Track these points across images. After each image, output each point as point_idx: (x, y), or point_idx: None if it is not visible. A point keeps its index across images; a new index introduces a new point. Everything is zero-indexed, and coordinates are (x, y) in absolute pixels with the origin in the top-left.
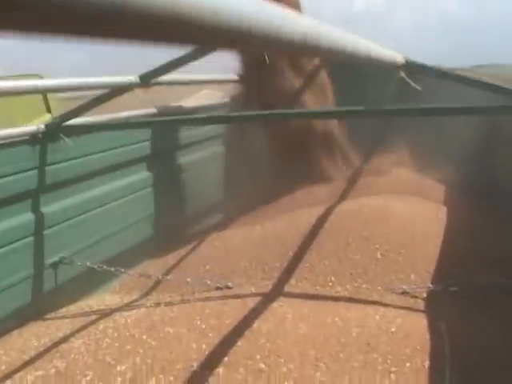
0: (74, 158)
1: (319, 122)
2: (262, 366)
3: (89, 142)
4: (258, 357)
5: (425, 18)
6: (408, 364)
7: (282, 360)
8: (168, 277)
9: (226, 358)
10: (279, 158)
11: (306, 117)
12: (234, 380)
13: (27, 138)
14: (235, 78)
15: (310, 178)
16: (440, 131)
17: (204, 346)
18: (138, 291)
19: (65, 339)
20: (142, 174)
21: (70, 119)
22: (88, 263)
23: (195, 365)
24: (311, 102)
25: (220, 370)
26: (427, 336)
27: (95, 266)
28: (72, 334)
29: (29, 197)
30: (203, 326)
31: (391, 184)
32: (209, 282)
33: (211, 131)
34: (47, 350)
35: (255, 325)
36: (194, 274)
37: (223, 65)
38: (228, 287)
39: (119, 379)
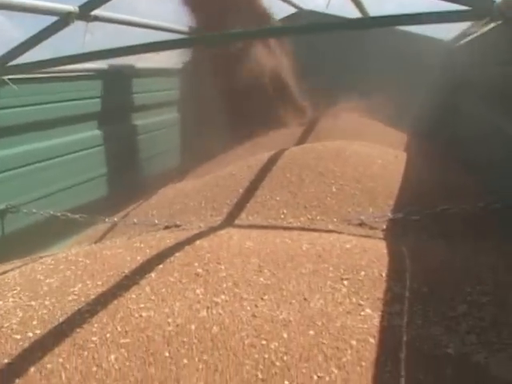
0: (21, 106)
1: (274, 72)
2: (200, 270)
3: (37, 91)
4: (196, 264)
5: None
6: (363, 273)
7: (223, 267)
8: (115, 219)
9: (160, 266)
10: (234, 110)
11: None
12: (166, 282)
13: None
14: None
15: (266, 126)
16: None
17: (139, 258)
18: (87, 240)
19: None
20: (93, 131)
21: (13, 59)
22: (41, 212)
23: (127, 271)
24: None
25: (153, 274)
26: (385, 252)
27: (57, 214)
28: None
29: None
30: (141, 245)
31: (349, 130)
32: (156, 221)
33: (167, 96)
34: None
35: (197, 242)
36: (143, 218)
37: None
38: (177, 225)
39: (45, 288)
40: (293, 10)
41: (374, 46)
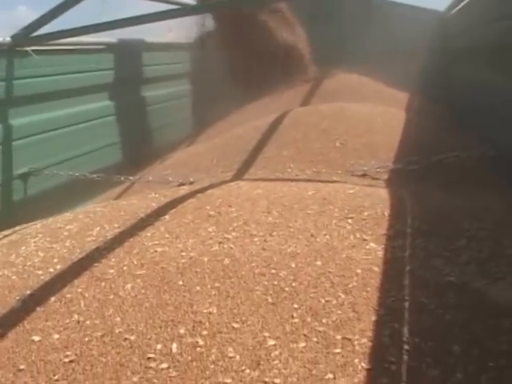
0: (43, 76)
1: (279, 36)
2: (212, 212)
3: (57, 62)
4: (208, 207)
5: None
6: (366, 213)
7: (233, 209)
8: (131, 178)
9: (173, 210)
10: (240, 76)
11: None
12: (179, 222)
13: None
14: None
15: (271, 89)
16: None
17: (154, 204)
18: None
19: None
20: (110, 101)
21: (35, 31)
22: (61, 173)
23: (142, 215)
24: None
25: (167, 216)
26: (387, 196)
27: (76, 174)
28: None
29: None
30: (156, 195)
31: (351, 90)
32: (171, 179)
33: (177, 69)
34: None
35: (209, 191)
36: (158, 176)
37: None
38: (190, 182)
39: (65, 233)
40: None
41: (377, 17)
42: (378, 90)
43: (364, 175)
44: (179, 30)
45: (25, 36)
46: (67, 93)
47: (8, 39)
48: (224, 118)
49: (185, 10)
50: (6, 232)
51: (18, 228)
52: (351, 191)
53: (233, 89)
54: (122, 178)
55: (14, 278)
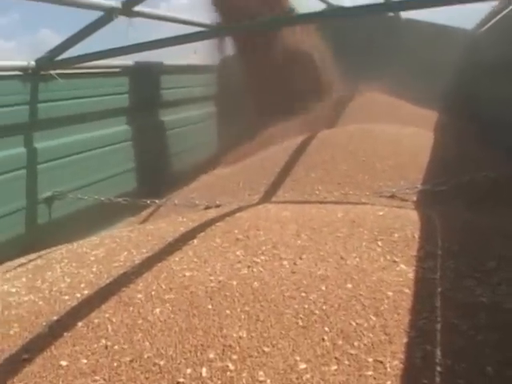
0: (67, 99)
1: (303, 56)
2: (240, 236)
3: (81, 85)
4: (236, 231)
5: None
6: (396, 234)
7: (261, 232)
8: (157, 201)
9: (202, 234)
10: (264, 98)
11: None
12: (208, 246)
13: (18, 72)
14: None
15: (296, 111)
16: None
17: (182, 229)
18: (131, 225)
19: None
20: (133, 124)
21: (60, 54)
22: (86, 196)
23: (170, 240)
24: None
25: (195, 241)
26: (416, 218)
27: (102, 198)
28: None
29: (20, 131)
30: (184, 219)
31: (377, 110)
32: (197, 202)
33: (199, 92)
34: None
35: (237, 214)
36: (184, 200)
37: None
38: (217, 205)
39: (92, 259)
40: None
41: (403, 35)
42: (406, 109)
43: (392, 197)
44: (203, 52)
45: (49, 60)
46: (91, 116)
47: (32, 63)
48: (249, 140)
49: (208, 33)
50: (31, 256)
51: (43, 252)
52: (380, 213)
53: (257, 110)
54: (148, 202)
55: (40, 303)
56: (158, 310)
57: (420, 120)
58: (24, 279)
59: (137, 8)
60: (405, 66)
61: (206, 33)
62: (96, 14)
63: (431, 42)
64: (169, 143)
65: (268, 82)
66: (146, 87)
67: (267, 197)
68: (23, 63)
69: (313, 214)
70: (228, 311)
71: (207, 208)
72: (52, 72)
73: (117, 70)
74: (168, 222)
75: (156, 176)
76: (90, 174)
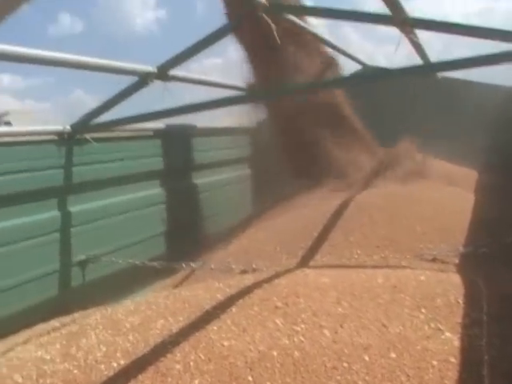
0: (101, 162)
1: (339, 118)
2: (279, 304)
3: (115, 148)
4: (275, 298)
5: None
6: (439, 300)
7: (301, 300)
8: (193, 265)
9: (240, 301)
10: (301, 160)
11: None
12: (246, 315)
13: (54, 136)
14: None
15: (333, 173)
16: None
17: (219, 296)
18: (165, 289)
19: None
20: (168, 186)
21: (94, 118)
22: (120, 260)
23: (208, 307)
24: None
25: (233, 308)
26: (459, 282)
27: (136, 262)
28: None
29: (55, 195)
30: (221, 285)
31: (418, 171)
32: (233, 267)
33: (233, 154)
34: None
35: (275, 280)
36: (219, 264)
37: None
38: (254, 270)
39: (127, 326)
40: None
41: (438, 93)
42: (445, 169)
43: (434, 260)
44: (238, 113)
45: (84, 124)
46: (124, 179)
47: (68, 128)
48: (284, 202)
49: (242, 98)
50: (64, 319)
51: (76, 316)
52: (422, 278)
53: (292, 173)
54: (184, 266)
55: (75, 372)
56: (196, 382)
57: (460, 179)
58: (58, 346)
59: (171, 72)
60: (442, 124)
61: (241, 97)
62: (129, 77)
63: (469, 99)
64: (202, 206)
65: (303, 145)
66: (179, 150)
67: (305, 261)
68: (59, 128)
69: (352, 280)
70: (269, 383)
71: (243, 272)
72: (87, 136)
73: (150, 133)
74: (205, 289)
75: (190, 239)
76: (123, 237)
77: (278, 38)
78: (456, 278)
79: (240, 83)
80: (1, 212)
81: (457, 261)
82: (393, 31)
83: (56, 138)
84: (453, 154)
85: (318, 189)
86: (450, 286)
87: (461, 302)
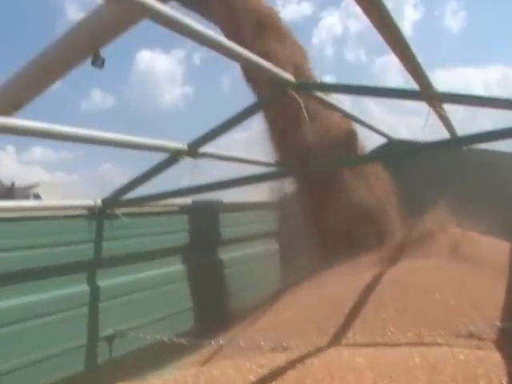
0: (130, 237)
1: (368, 194)
2: None
3: (144, 224)
4: (309, 381)
5: None
6: (482, 382)
7: (336, 382)
8: (221, 341)
9: (273, 383)
10: (326, 232)
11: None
12: None
13: (84, 211)
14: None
15: (362, 247)
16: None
17: (251, 377)
18: (193, 365)
19: None
20: (195, 262)
21: (125, 194)
22: (148, 336)
23: None
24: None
25: None
26: (500, 360)
27: (164, 338)
28: None
29: (84, 269)
30: (252, 366)
31: (448, 244)
32: (263, 344)
33: (260, 228)
34: None
35: (308, 360)
36: (248, 341)
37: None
38: (284, 348)
39: None
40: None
41: (465, 166)
42: (477, 241)
43: (470, 336)
44: (264, 188)
45: (115, 199)
46: (152, 254)
47: (99, 202)
48: (312, 277)
49: (271, 174)
50: None
51: None
52: (461, 356)
53: (320, 248)
54: (212, 342)
55: None
56: None
57: (494, 250)
58: None
59: (201, 149)
60: (472, 196)
61: (270, 174)
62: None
63: (497, 170)
64: (230, 281)
65: (330, 220)
66: (206, 225)
67: (337, 339)
68: (90, 202)
69: (388, 360)
70: None
71: (273, 350)
72: (117, 211)
73: (178, 208)
74: (235, 368)
75: (217, 314)
76: (151, 312)
77: (306, 114)
78: (496, 356)
79: (266, 158)
80: (30, 286)
81: (495, 336)
82: (415, 103)
83: (87, 212)
84: (485, 224)
85: (348, 262)
86: (491, 365)
87: (505, 382)
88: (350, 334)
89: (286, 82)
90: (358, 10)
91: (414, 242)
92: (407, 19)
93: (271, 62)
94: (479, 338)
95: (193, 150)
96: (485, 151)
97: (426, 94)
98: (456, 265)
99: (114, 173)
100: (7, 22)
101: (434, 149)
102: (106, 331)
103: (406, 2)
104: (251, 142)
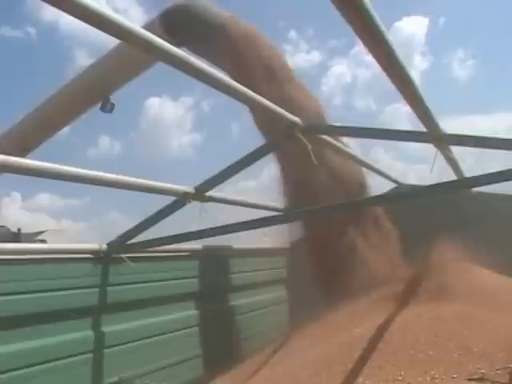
0: (136, 283)
1: (374, 239)
2: None
3: (150, 269)
4: None
5: None
6: None
7: None
8: None
9: None
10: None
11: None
12: None
13: (90, 255)
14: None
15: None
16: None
17: None
18: None
19: None
20: (192, 311)
21: (131, 238)
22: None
23: None
24: None
25: None
26: None
27: None
28: None
29: (89, 314)
30: None
31: (455, 286)
32: None
33: (269, 275)
34: None
35: None
36: None
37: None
38: None
39: None
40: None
41: (474, 208)
42: (488, 281)
43: (482, 379)
44: (273, 234)
45: (121, 243)
46: (159, 300)
47: (105, 246)
48: (320, 323)
49: (279, 218)
50: None
51: None
52: None
53: (327, 294)
54: None
55: None
56: None
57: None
58: None
59: (208, 193)
60: (480, 239)
61: (277, 218)
62: (164, 197)
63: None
64: (236, 328)
65: (339, 266)
66: (214, 271)
67: None
68: (95, 246)
69: None
70: None
71: None
72: (123, 255)
73: (186, 253)
74: None
75: (224, 362)
76: (157, 360)
77: (314, 158)
78: None
79: (275, 204)
80: (33, 330)
81: (507, 379)
82: (424, 152)
83: (92, 256)
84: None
85: (356, 307)
86: None
87: None
88: (360, 380)
89: (293, 124)
90: (367, 58)
91: (419, 282)
92: (415, 68)
93: (292, 107)
94: (492, 382)
95: (200, 194)
96: (493, 195)
97: (434, 135)
98: (466, 306)
99: (120, 221)
100: (18, 68)
101: (441, 190)
102: (110, 378)
103: (414, 50)
104: (259, 189)
